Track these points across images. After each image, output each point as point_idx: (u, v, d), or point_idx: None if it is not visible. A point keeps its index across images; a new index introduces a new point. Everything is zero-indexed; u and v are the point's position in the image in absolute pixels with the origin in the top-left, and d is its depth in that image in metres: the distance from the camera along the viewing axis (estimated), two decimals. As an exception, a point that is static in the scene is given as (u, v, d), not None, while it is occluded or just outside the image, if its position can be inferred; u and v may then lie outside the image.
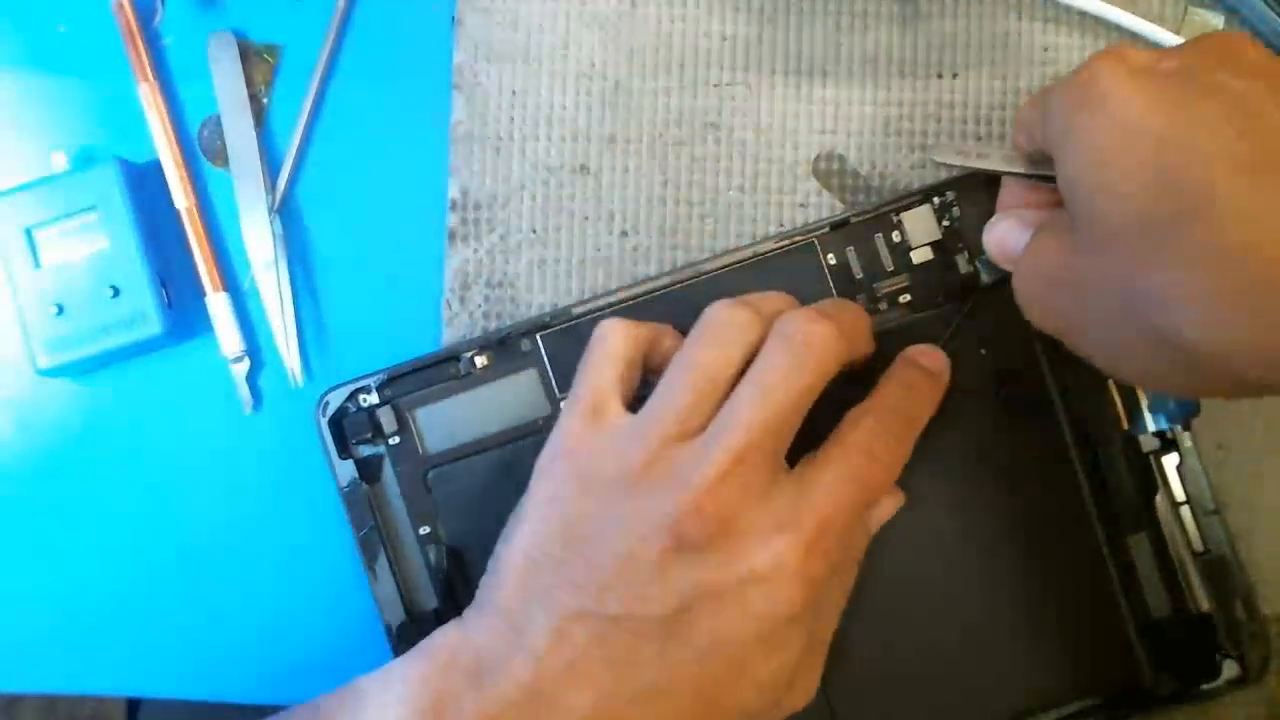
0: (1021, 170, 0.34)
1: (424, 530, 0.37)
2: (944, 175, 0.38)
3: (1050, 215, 0.33)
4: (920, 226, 0.37)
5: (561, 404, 0.36)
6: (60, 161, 0.39)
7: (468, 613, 0.32)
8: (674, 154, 0.39)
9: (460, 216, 0.39)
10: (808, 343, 0.32)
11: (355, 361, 0.39)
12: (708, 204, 0.39)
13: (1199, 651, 0.36)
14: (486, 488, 0.37)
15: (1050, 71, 0.39)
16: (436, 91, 0.40)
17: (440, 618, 0.33)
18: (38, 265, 0.38)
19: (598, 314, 0.37)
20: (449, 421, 0.37)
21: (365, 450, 0.38)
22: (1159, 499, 0.36)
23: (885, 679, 0.36)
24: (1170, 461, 0.36)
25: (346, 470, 0.37)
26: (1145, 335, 0.28)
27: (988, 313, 0.37)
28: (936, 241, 0.37)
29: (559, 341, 0.37)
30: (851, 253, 0.37)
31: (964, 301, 0.37)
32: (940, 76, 0.39)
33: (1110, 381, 0.37)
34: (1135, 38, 0.39)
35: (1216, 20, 0.39)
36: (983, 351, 0.37)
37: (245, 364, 0.39)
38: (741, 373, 0.32)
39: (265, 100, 0.40)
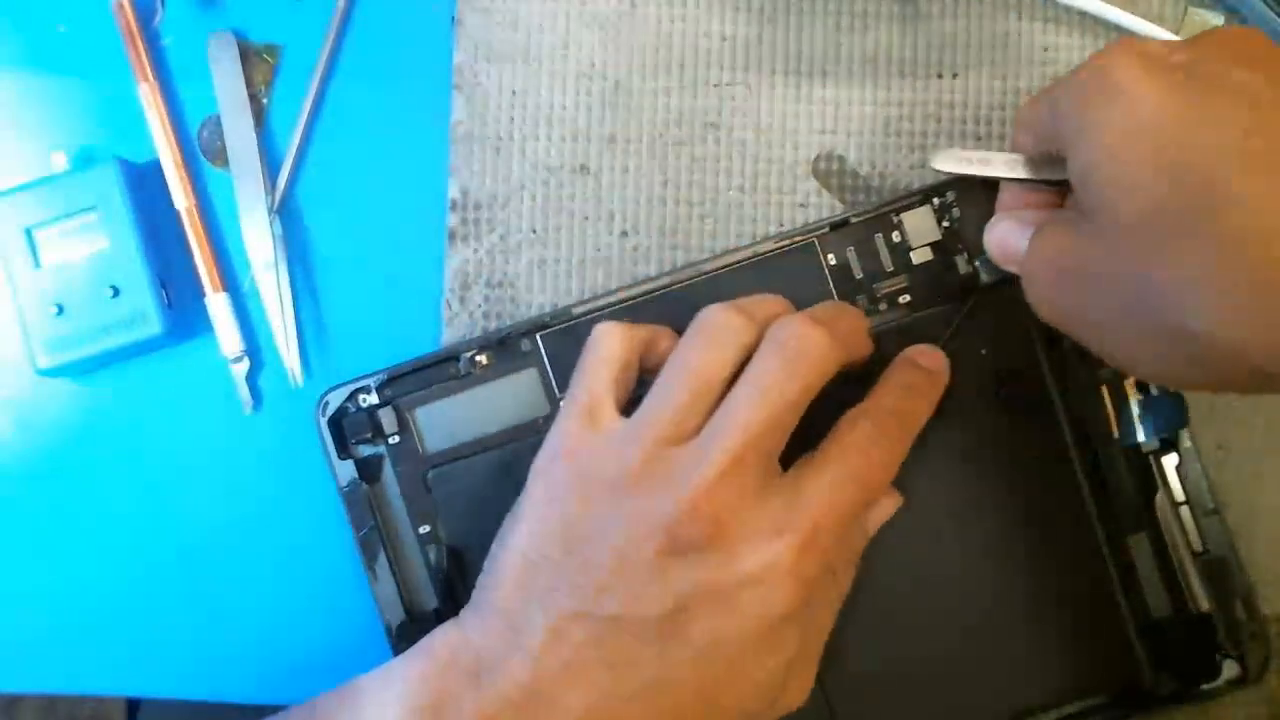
0: (1023, 175, 0.34)
1: (424, 530, 0.37)
2: (943, 176, 0.38)
3: (1057, 210, 0.33)
4: (920, 227, 0.37)
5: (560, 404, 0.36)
6: (60, 161, 0.39)
7: (465, 613, 0.32)
8: (674, 154, 0.39)
9: (460, 216, 0.39)
10: (801, 349, 0.32)
11: (355, 361, 0.39)
12: (708, 204, 0.39)
13: (1199, 651, 0.36)
14: (486, 488, 0.37)
15: (1050, 71, 0.39)
16: (436, 91, 0.40)
17: (440, 618, 0.33)
18: (38, 265, 0.38)
19: (598, 314, 0.37)
20: (449, 421, 0.37)
21: (365, 450, 0.38)
22: (1159, 499, 0.36)
23: (885, 679, 0.36)
24: (1170, 461, 0.36)
25: (346, 470, 0.37)
26: (1158, 328, 0.28)
27: (988, 313, 0.37)
28: (936, 242, 0.37)
29: (559, 341, 0.37)
30: (851, 253, 0.37)
31: (964, 302, 0.37)
32: (940, 76, 0.39)
33: (1103, 388, 0.37)
34: (1135, 38, 0.39)
35: (1216, 20, 0.39)
36: (983, 351, 0.37)
37: (245, 364, 0.39)
38: (736, 375, 0.32)
39: (265, 100, 0.40)
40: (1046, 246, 0.31)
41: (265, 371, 0.40)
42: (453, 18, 0.40)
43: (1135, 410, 0.36)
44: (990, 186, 0.36)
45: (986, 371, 0.37)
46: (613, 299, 0.37)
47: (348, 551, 0.38)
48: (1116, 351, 0.30)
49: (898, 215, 0.37)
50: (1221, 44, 0.28)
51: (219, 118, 0.40)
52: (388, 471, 0.38)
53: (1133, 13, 0.38)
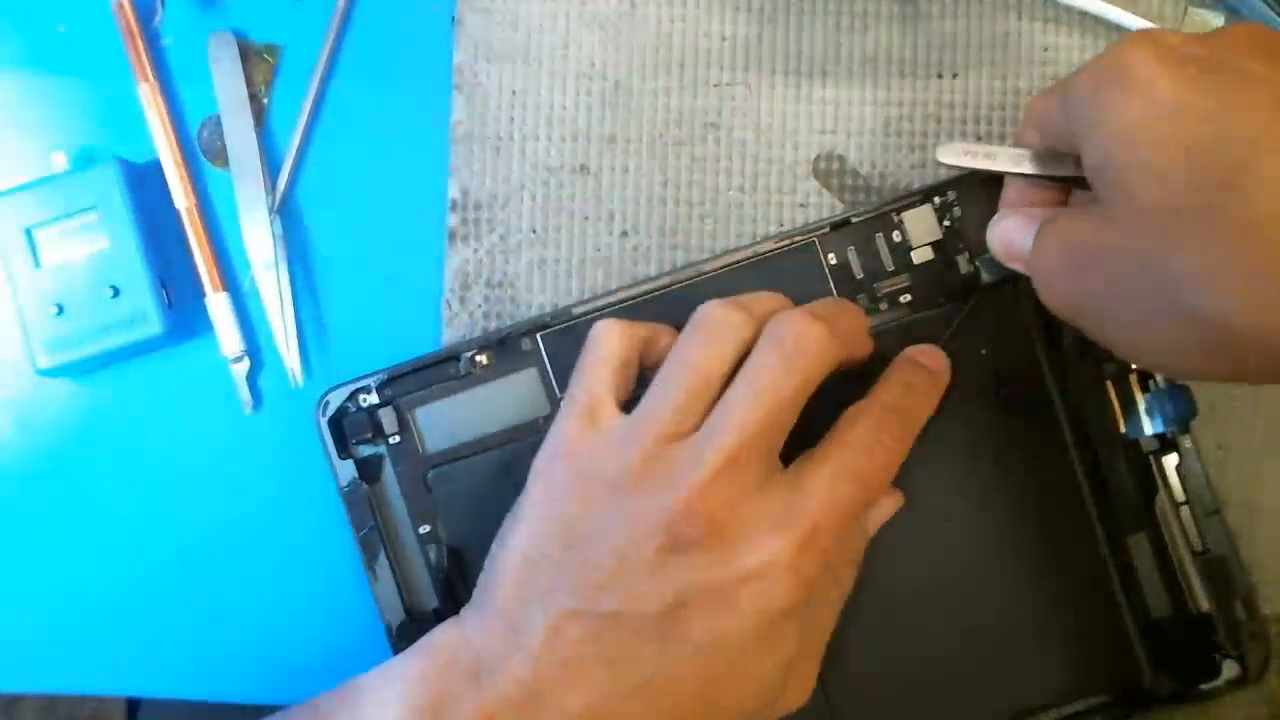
0: (1029, 170, 0.34)
1: (424, 530, 0.37)
2: (944, 175, 0.38)
3: (1083, 200, 0.33)
4: (921, 226, 0.37)
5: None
6: (60, 161, 0.39)
7: (465, 612, 0.32)
8: (674, 154, 0.39)
9: (460, 216, 0.39)
10: (799, 345, 0.32)
11: (355, 361, 0.39)
12: (708, 204, 0.39)
13: (1199, 651, 0.36)
14: (486, 487, 0.37)
15: (1050, 71, 0.39)
16: (436, 91, 0.40)
17: (440, 618, 0.33)
18: (38, 265, 0.38)
19: (598, 314, 0.37)
20: (449, 421, 0.37)
21: (365, 450, 0.38)
22: (1159, 499, 0.36)
23: (885, 680, 0.36)
24: (1170, 461, 0.36)
25: (346, 470, 0.37)
26: (1177, 317, 0.27)
27: (988, 313, 0.37)
28: (937, 241, 0.37)
29: (559, 341, 0.37)
30: (852, 252, 0.37)
31: (965, 301, 0.37)
32: (940, 76, 0.39)
33: (1108, 383, 0.37)
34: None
35: (1216, 20, 0.39)
36: (983, 351, 0.37)
37: (245, 364, 0.39)
38: (735, 370, 0.32)
39: (265, 100, 0.40)
40: (1057, 237, 0.31)
41: (265, 371, 0.40)
42: (453, 18, 0.40)
43: (1142, 404, 0.36)
44: (993, 185, 0.36)
45: (986, 371, 0.37)
46: (613, 299, 0.37)
47: (348, 551, 0.38)
48: (1130, 343, 0.30)
49: (898, 215, 0.37)
50: (1237, 38, 0.28)
51: (219, 118, 0.40)
52: (388, 471, 0.38)
53: (1133, 13, 0.38)
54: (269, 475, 0.39)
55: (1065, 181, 0.33)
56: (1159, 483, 0.36)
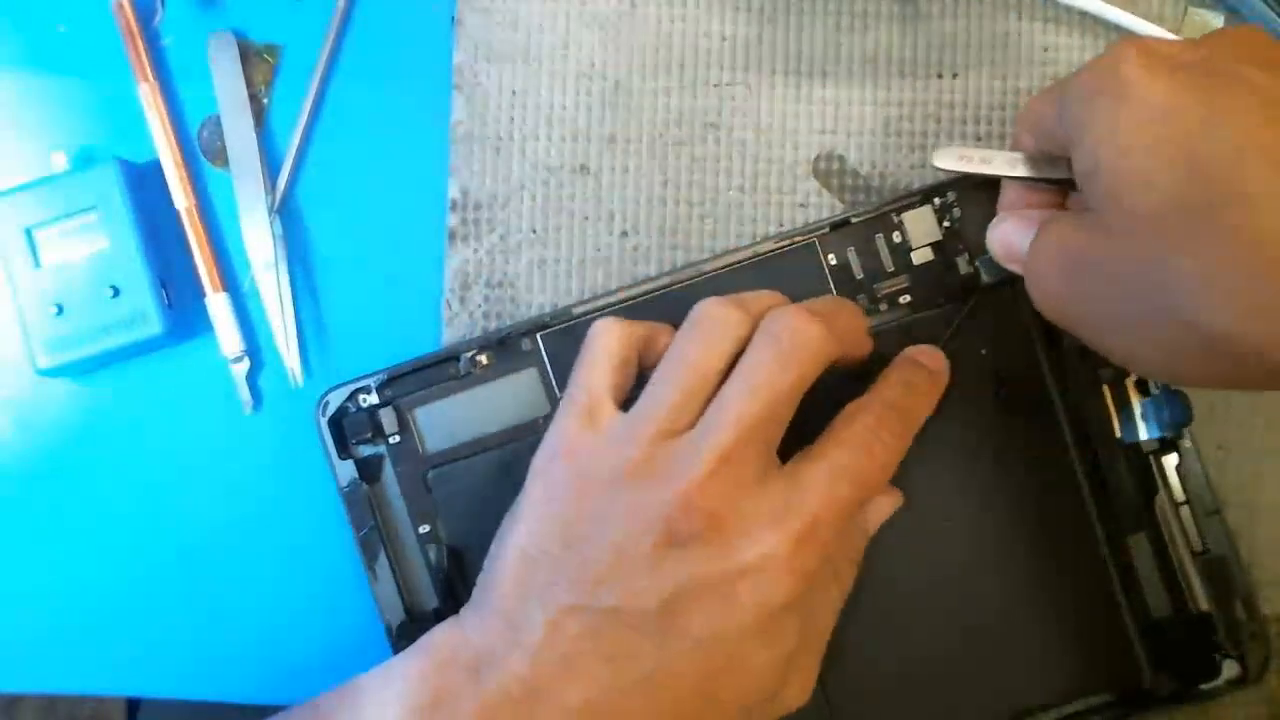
0: (1025, 174, 0.34)
1: (424, 530, 0.37)
2: (944, 176, 0.38)
3: (1080, 202, 0.33)
4: (921, 227, 0.37)
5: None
6: (60, 161, 0.39)
7: (465, 611, 0.32)
8: (674, 154, 0.39)
9: (460, 216, 0.39)
10: (794, 341, 0.32)
11: (355, 361, 0.39)
12: (708, 204, 0.39)
13: (1199, 651, 0.36)
14: (487, 487, 0.37)
15: (1050, 71, 0.39)
16: (436, 91, 0.40)
17: (440, 617, 0.33)
18: (38, 265, 0.38)
19: (598, 314, 0.37)
20: (449, 421, 0.37)
21: (365, 450, 0.38)
22: (1159, 499, 0.36)
23: (885, 679, 0.36)
24: (1170, 461, 0.36)
25: (346, 470, 0.37)
26: (1170, 325, 0.27)
27: (988, 313, 0.37)
28: (937, 242, 0.37)
29: (559, 341, 0.37)
30: (852, 253, 0.37)
31: (964, 302, 0.37)
32: (940, 76, 0.39)
33: (1104, 387, 0.37)
34: (1142, 36, 0.39)
35: (1216, 20, 0.39)
36: (983, 351, 0.37)
37: (245, 364, 0.39)
38: (732, 368, 0.32)
39: (265, 100, 0.40)
40: (1051, 243, 0.31)
41: (265, 371, 0.40)
42: (453, 18, 0.40)
43: (1138, 408, 0.36)
44: (992, 186, 0.36)
45: (986, 371, 0.37)
46: (613, 299, 0.37)
47: (348, 551, 0.38)
48: (1125, 349, 0.30)
49: (898, 215, 0.37)
50: (1231, 43, 0.28)
51: (219, 118, 0.40)
52: (388, 471, 0.38)
53: (1133, 13, 0.38)
54: (269, 475, 0.39)
55: (1061, 184, 0.33)
56: (1159, 483, 0.36)
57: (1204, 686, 0.36)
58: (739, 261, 0.37)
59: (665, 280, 0.37)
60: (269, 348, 0.40)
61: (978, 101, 0.39)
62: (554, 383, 0.37)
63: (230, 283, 0.40)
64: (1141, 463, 0.37)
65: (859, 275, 0.37)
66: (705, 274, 0.37)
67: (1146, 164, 0.27)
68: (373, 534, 0.37)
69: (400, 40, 0.40)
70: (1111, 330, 0.30)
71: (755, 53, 0.39)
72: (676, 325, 0.34)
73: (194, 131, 0.40)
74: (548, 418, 0.37)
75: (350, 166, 0.40)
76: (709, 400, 0.32)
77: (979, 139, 0.39)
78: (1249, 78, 0.27)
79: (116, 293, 0.38)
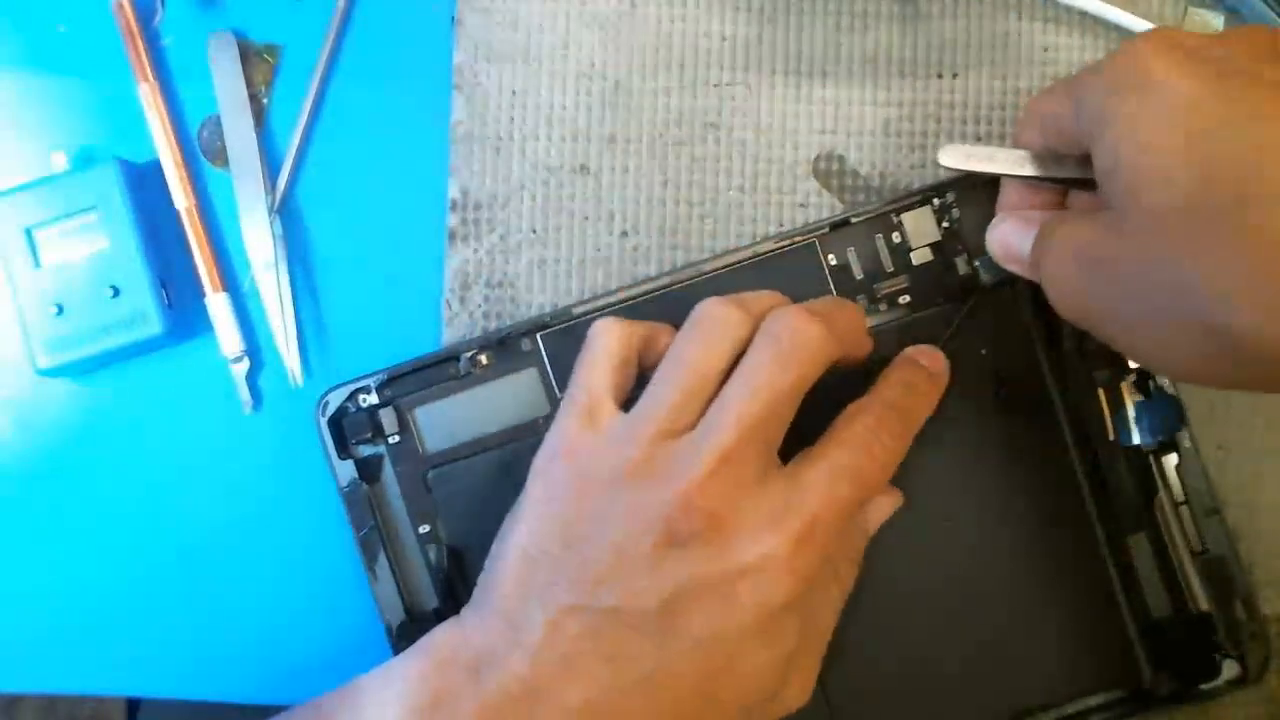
0: (1030, 172, 0.33)
1: (424, 530, 0.37)
2: (944, 175, 0.38)
3: (1075, 206, 0.33)
4: (920, 227, 0.37)
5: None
6: (60, 161, 0.39)
7: (466, 611, 0.32)
8: (674, 154, 0.39)
9: (460, 216, 0.39)
10: (794, 341, 0.32)
11: (355, 361, 0.39)
12: (708, 204, 0.39)
13: (1199, 651, 0.36)
14: (486, 487, 0.37)
15: (1050, 71, 0.39)
16: (436, 91, 0.40)
17: (440, 617, 0.33)
18: (38, 265, 0.38)
19: (598, 314, 0.37)
20: (449, 421, 0.37)
21: (365, 450, 0.38)
22: (1159, 499, 0.36)
23: (885, 680, 0.36)
24: (1170, 461, 0.36)
25: (346, 470, 0.37)
26: (1193, 326, 0.27)
27: (988, 313, 0.37)
28: (936, 242, 0.37)
29: (559, 341, 0.37)
30: (852, 253, 0.37)
31: (964, 302, 0.37)
32: (940, 76, 0.39)
33: (1100, 390, 0.37)
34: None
35: (1216, 20, 0.39)
36: (983, 351, 0.37)
37: (245, 364, 0.39)
38: (732, 368, 0.32)
39: (265, 100, 0.40)
40: (1068, 243, 0.30)
41: (265, 371, 0.40)
42: (453, 18, 0.40)
43: (1131, 412, 0.36)
44: (991, 186, 0.36)
45: (986, 371, 0.37)
46: (613, 299, 0.37)
47: (348, 551, 0.38)
48: (1142, 348, 0.30)
49: (898, 215, 0.37)
50: (1249, 41, 0.28)
51: (219, 118, 0.40)
52: (388, 471, 0.38)
53: (1133, 13, 0.38)
54: (269, 475, 0.39)
55: (1066, 183, 0.33)
56: (1159, 483, 0.36)
57: (1204, 686, 0.36)
58: (739, 261, 0.37)
59: (665, 280, 0.37)
60: (269, 348, 0.40)
61: (978, 101, 0.39)
62: (554, 383, 0.37)
63: (230, 283, 0.40)
64: (1141, 463, 0.37)
65: (859, 275, 0.37)
66: (705, 274, 0.37)
67: (1169, 161, 0.27)
68: (373, 534, 0.37)
69: (400, 40, 0.40)
70: (1132, 332, 0.29)
71: (755, 53, 0.39)
72: (677, 325, 0.34)
73: (194, 131, 0.40)
74: (548, 418, 0.37)
75: (350, 166, 0.40)
76: (709, 400, 0.32)
77: (979, 139, 0.39)
78: (1271, 77, 0.27)
79: (116, 293, 0.38)
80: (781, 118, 0.39)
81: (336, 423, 0.37)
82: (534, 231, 0.39)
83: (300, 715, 0.32)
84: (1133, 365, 0.36)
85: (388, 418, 0.37)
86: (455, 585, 0.37)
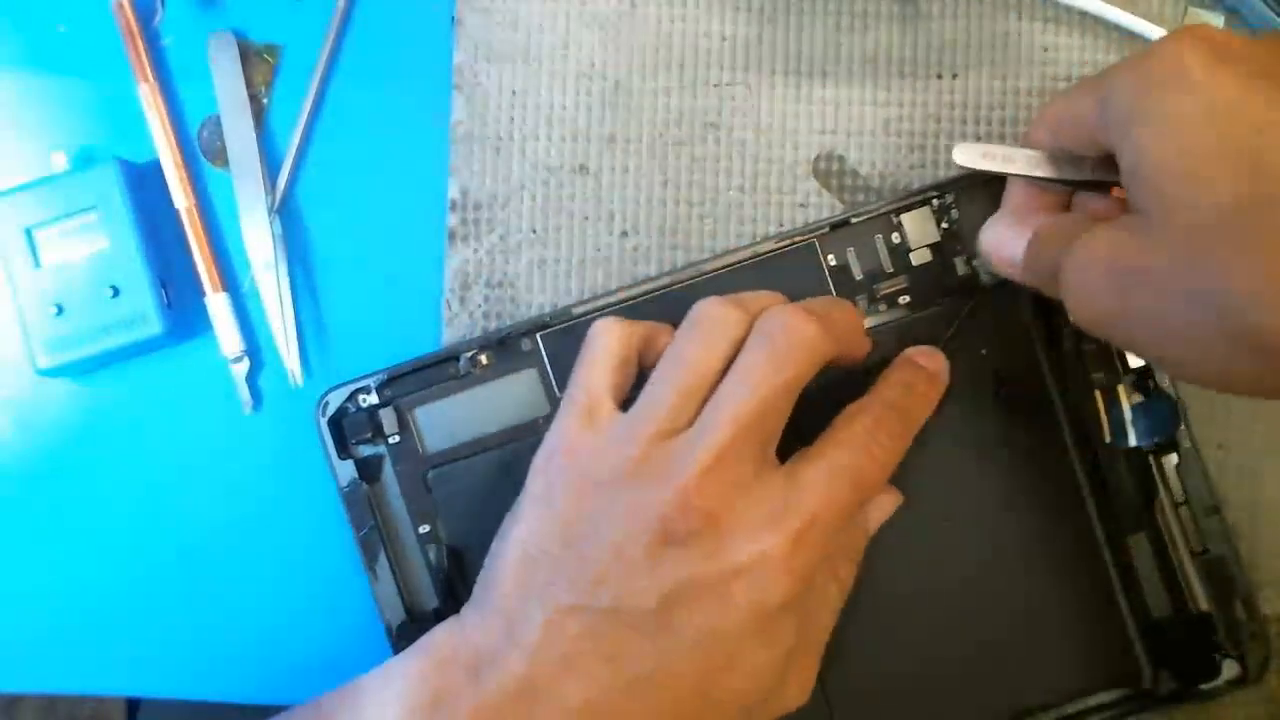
0: (1045, 174, 0.33)
1: (424, 530, 0.37)
2: (944, 175, 0.38)
3: (1091, 204, 0.33)
4: (919, 228, 0.37)
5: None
6: (60, 161, 0.39)
7: (465, 610, 0.32)
8: (674, 154, 0.39)
9: (460, 216, 0.39)
10: (790, 340, 0.32)
11: (355, 361, 0.39)
12: (708, 204, 0.39)
13: (1199, 651, 0.36)
14: (486, 487, 0.37)
15: (1050, 71, 0.39)
16: (436, 91, 0.40)
17: (440, 617, 0.33)
18: (38, 265, 0.38)
19: (598, 314, 0.37)
20: (449, 421, 0.37)
21: (365, 450, 0.38)
22: (1159, 499, 0.36)
23: (885, 679, 0.36)
24: (1170, 461, 0.36)
25: (346, 470, 0.37)
26: (1229, 334, 0.26)
27: (988, 313, 0.37)
28: (936, 243, 0.37)
29: (559, 341, 0.37)
30: (851, 253, 0.37)
31: (964, 302, 0.37)
32: (940, 76, 0.39)
33: (1096, 392, 0.37)
34: (1135, 38, 0.39)
35: (1216, 20, 0.39)
36: (983, 352, 0.37)
37: (245, 364, 0.39)
38: (729, 367, 0.32)
39: (265, 100, 0.40)
40: (1096, 253, 0.29)
41: (265, 371, 0.40)
42: (453, 18, 0.40)
43: (1128, 414, 0.36)
44: (991, 187, 0.36)
45: (986, 371, 0.37)
46: (613, 299, 0.37)
47: (348, 551, 0.38)
48: (1174, 357, 0.28)
49: (897, 216, 0.37)
50: (1276, 43, 0.27)
51: (219, 118, 0.40)
52: (388, 471, 0.38)
53: (1133, 13, 0.38)
54: (269, 475, 0.39)
55: (1079, 185, 0.33)
56: (1159, 483, 0.36)
57: (1204, 686, 0.36)
58: (739, 261, 0.37)
59: (665, 280, 0.37)
60: (269, 348, 0.40)
61: (978, 101, 0.39)
62: (554, 383, 0.37)
63: (230, 283, 0.40)
64: (1141, 463, 0.37)
65: (858, 276, 0.37)
66: (705, 274, 0.37)
67: (1207, 162, 0.26)
68: (373, 534, 0.37)
69: (400, 40, 0.40)
70: (1160, 340, 0.28)
71: (755, 53, 0.39)
72: (676, 325, 0.34)
73: (194, 131, 0.40)
74: (548, 418, 0.37)
75: (350, 166, 0.40)
76: (706, 400, 0.32)
77: (979, 139, 0.39)
78: None
79: (116, 293, 0.38)
80: (781, 118, 0.39)
81: (336, 423, 0.37)
82: (534, 231, 0.39)
83: (300, 715, 0.32)
84: (1133, 365, 0.36)
85: (388, 418, 0.37)
86: (455, 585, 0.37)
